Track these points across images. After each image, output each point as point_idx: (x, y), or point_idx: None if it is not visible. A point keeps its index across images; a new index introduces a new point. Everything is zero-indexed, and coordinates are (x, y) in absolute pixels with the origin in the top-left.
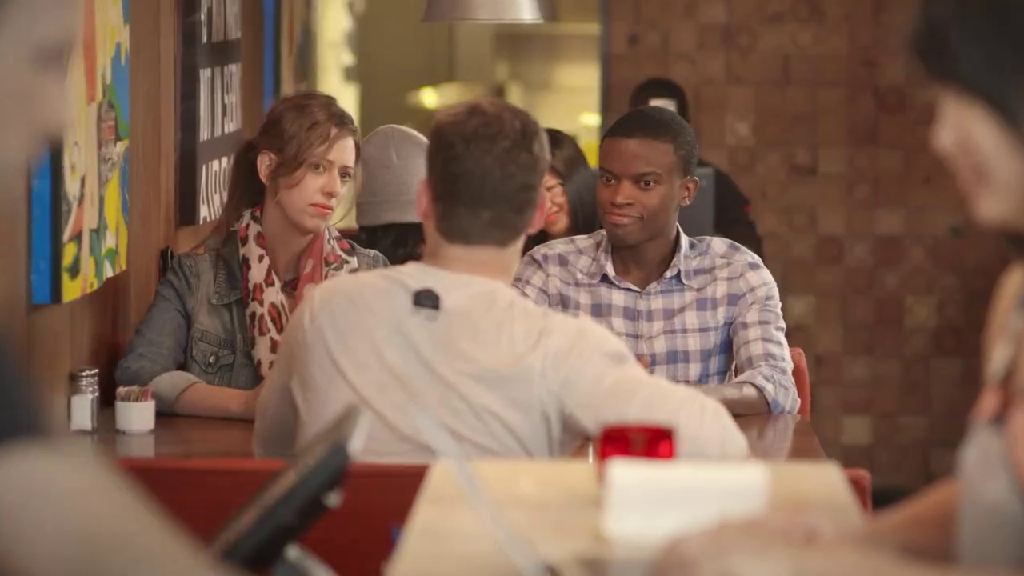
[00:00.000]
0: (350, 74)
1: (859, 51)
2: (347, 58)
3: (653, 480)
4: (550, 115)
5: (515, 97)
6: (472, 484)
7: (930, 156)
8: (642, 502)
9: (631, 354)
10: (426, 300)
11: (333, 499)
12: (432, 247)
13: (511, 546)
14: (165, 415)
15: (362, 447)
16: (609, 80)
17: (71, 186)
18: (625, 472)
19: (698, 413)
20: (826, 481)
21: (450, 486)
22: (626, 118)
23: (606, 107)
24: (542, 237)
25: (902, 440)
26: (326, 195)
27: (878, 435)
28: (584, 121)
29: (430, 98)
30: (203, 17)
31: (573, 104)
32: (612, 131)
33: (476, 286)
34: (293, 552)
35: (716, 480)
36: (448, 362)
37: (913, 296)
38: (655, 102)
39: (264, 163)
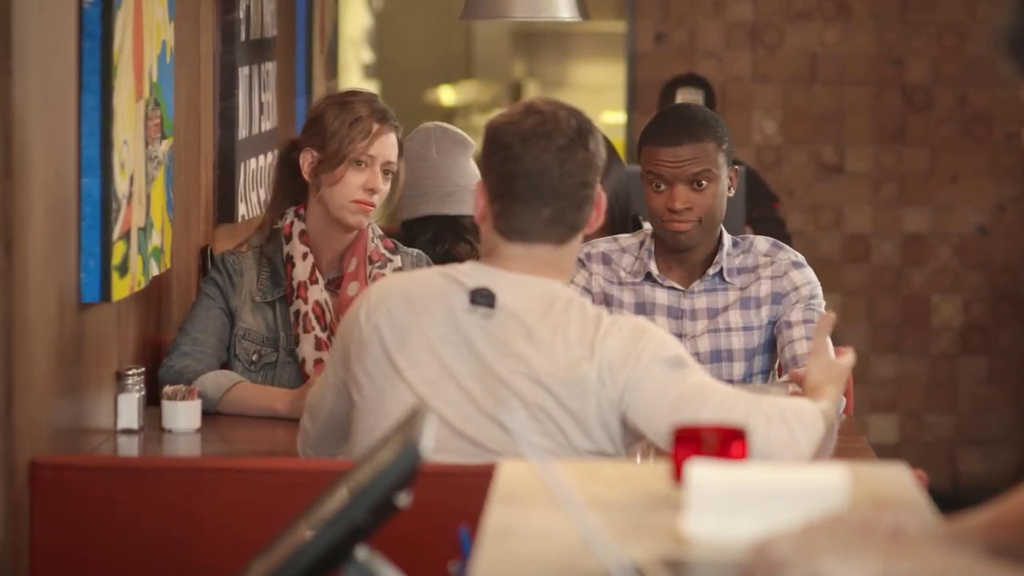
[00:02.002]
0: (370, 71)
1: (886, 49)
2: (367, 55)
3: (732, 481)
4: None
5: (532, 94)
6: (559, 485)
7: (957, 155)
8: (721, 503)
9: (688, 354)
10: (482, 299)
11: (403, 499)
12: (489, 246)
13: (599, 547)
14: (209, 414)
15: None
16: (635, 78)
17: (120, 184)
18: (704, 473)
19: (764, 424)
20: (896, 481)
21: (520, 486)
22: (665, 123)
23: (632, 106)
24: None
25: (928, 439)
26: (368, 191)
27: (904, 434)
28: (606, 119)
29: (448, 95)
30: (242, 15)
31: (591, 102)
32: (655, 138)
33: (534, 287)
34: (362, 552)
35: (795, 481)
36: (504, 361)
37: (939, 295)
38: (682, 95)
39: (306, 160)
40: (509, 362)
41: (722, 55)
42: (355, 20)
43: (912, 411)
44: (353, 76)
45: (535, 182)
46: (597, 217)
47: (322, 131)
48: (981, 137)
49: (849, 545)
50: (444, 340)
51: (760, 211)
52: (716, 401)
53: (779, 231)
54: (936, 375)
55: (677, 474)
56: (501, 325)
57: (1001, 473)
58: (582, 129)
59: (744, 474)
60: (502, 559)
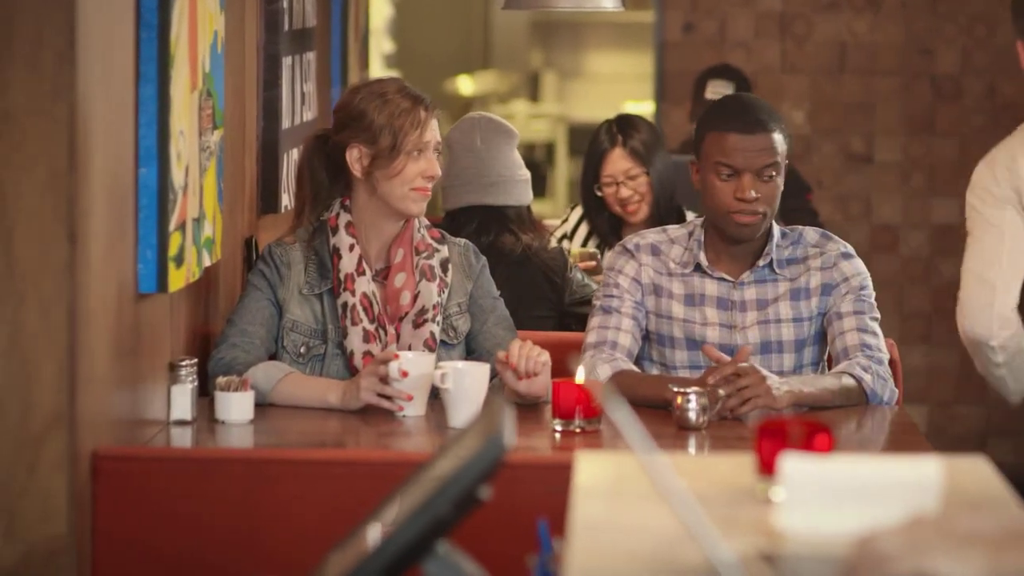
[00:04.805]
0: (390, 61)
1: (915, 39)
2: (387, 45)
3: (827, 474)
4: (586, 102)
5: (550, 84)
6: (665, 478)
7: (986, 145)
8: (816, 496)
9: None
10: None
11: (485, 492)
12: None
13: (707, 542)
14: (260, 405)
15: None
16: (663, 68)
17: (177, 175)
18: (799, 466)
19: None
20: (978, 474)
21: (601, 478)
22: (736, 111)
23: (661, 96)
24: (618, 226)
25: (958, 430)
26: (427, 178)
27: (934, 425)
28: (629, 109)
29: (466, 85)
30: (285, 4)
31: (613, 92)
32: (727, 125)
33: None
34: (442, 547)
35: (889, 474)
36: None
37: None
38: (714, 87)
39: (354, 157)
40: None
41: (751, 45)
42: (376, 10)
43: (942, 402)
44: (375, 66)
45: None
46: None
47: (369, 126)
48: (1011, 127)
49: (957, 542)
50: None
51: (793, 202)
52: None
53: (813, 222)
54: (966, 366)
55: (763, 467)
56: None
57: None
58: None
59: (838, 467)
60: (596, 553)
